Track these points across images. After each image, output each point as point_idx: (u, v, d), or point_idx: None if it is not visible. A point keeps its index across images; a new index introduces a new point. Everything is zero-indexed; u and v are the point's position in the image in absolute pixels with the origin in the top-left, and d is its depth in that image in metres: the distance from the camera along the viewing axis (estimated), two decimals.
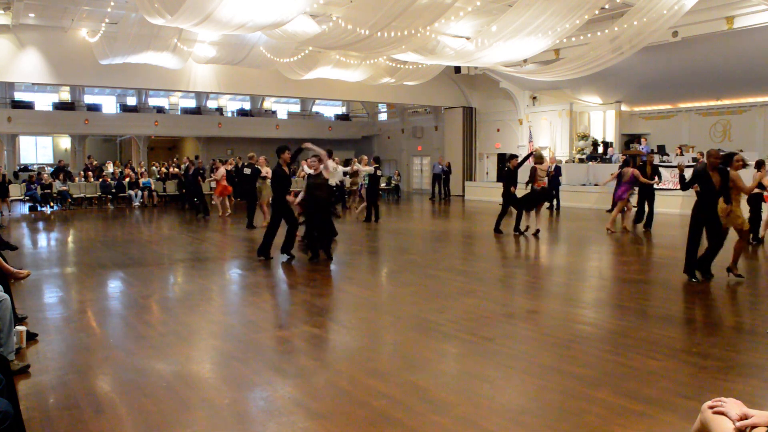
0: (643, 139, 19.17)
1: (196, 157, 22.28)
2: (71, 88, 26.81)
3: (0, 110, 24.18)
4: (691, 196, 15.72)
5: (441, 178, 24.74)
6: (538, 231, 12.21)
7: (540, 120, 23.08)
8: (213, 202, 19.27)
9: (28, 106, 25.39)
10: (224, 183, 16.72)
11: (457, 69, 22.50)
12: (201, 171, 18.76)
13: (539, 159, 12.41)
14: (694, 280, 7.44)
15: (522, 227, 12.31)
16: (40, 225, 15.58)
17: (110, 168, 23.42)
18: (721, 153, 7.70)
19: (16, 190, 19.92)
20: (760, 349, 4.96)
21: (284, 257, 9.30)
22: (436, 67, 18.97)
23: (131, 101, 29.24)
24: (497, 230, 12.45)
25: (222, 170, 16.84)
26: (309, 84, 20.85)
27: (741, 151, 17.21)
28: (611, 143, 21.02)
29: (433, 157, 27.47)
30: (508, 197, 12.38)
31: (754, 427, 1.97)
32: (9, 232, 13.56)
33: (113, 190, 21.28)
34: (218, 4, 10.37)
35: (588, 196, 18.94)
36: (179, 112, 30.37)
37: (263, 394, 4.01)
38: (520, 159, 12.79)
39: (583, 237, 12.47)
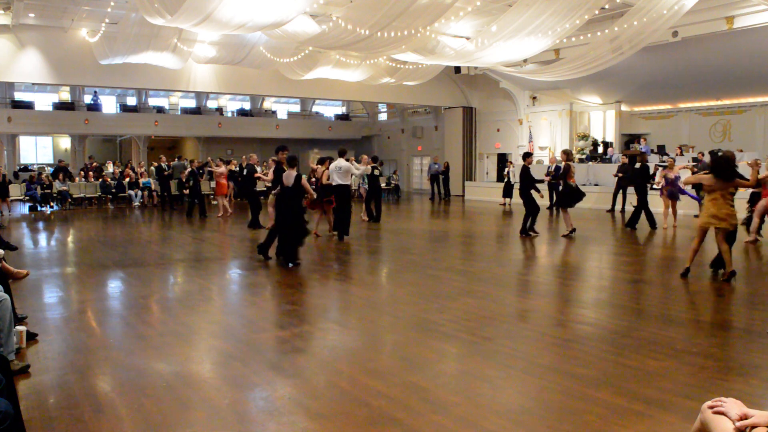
0: (642, 139, 19.16)
1: (179, 157, 22.29)
2: (75, 89, 26.80)
3: (0, 110, 24.17)
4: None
5: (439, 178, 24.79)
6: (574, 230, 11.90)
7: (540, 120, 23.08)
8: (214, 202, 19.37)
9: (28, 106, 25.38)
10: (223, 182, 16.80)
11: (457, 69, 22.49)
12: (200, 171, 18.77)
13: (571, 156, 12.55)
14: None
15: (567, 230, 11.99)
16: (40, 225, 15.58)
17: (110, 168, 23.42)
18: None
19: (16, 190, 19.91)
20: (760, 349, 4.95)
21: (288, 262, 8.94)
22: (436, 67, 18.96)
23: (131, 101, 29.24)
24: (528, 232, 12.04)
25: (222, 169, 16.90)
26: (309, 84, 20.85)
27: (741, 151, 17.25)
28: (611, 143, 21.02)
29: (433, 158, 27.47)
30: (529, 198, 12.00)
31: (754, 427, 1.97)
32: (9, 232, 13.56)
33: (113, 190, 21.29)
34: (218, 4, 10.37)
35: (588, 196, 18.83)
36: (179, 112, 30.36)
37: (263, 394, 4.01)
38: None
39: (583, 237, 12.45)
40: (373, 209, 15.00)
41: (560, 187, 12.46)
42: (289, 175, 8.93)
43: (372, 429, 3.46)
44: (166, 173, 20.10)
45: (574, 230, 12.00)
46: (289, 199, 8.95)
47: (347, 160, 12.65)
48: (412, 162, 30.82)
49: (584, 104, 22.03)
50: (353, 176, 15.18)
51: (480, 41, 13.68)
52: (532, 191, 11.99)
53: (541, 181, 12.54)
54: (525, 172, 12.11)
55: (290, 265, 8.76)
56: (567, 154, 12.44)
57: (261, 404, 3.87)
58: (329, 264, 9.45)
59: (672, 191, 12.98)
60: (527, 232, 12.08)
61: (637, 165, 13.14)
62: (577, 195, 12.04)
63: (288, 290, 7.79)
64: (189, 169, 17.65)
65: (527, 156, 12.48)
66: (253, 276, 8.37)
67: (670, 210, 13.13)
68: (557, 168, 18.08)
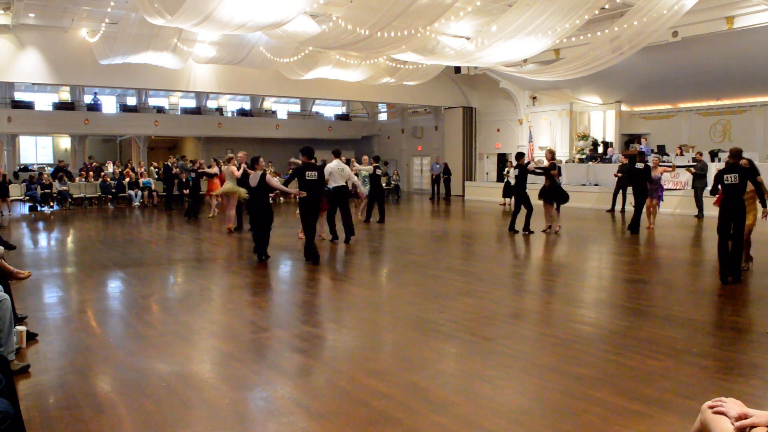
0: (643, 139, 19.16)
1: (182, 158, 22.21)
2: (75, 89, 26.78)
3: (0, 110, 24.18)
4: (688, 197, 15.76)
5: (440, 178, 24.84)
6: (559, 227, 12.37)
7: (540, 120, 23.08)
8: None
9: (28, 106, 25.36)
10: (216, 181, 16.72)
11: (457, 69, 22.49)
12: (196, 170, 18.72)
13: (554, 156, 12.87)
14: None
15: (545, 226, 12.44)
16: (40, 225, 15.58)
17: (110, 168, 23.42)
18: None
19: (16, 190, 19.92)
20: (760, 349, 4.96)
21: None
22: (436, 67, 18.96)
23: (131, 101, 29.24)
24: (513, 230, 12.35)
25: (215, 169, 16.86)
26: (309, 84, 20.84)
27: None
28: (611, 143, 21.01)
29: (434, 158, 27.48)
30: (524, 196, 12.36)
31: (753, 426, 1.97)
32: (9, 232, 13.56)
33: (113, 190, 21.28)
34: (218, 4, 10.36)
35: (588, 196, 18.93)
36: (179, 112, 30.35)
37: (263, 394, 4.01)
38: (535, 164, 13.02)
39: (583, 237, 12.47)
40: (377, 211, 14.95)
41: (547, 185, 12.47)
42: (255, 176, 9.14)
43: (372, 429, 3.46)
44: (174, 172, 20.02)
45: (549, 227, 12.41)
46: (257, 198, 9.20)
47: (348, 161, 12.56)
48: (412, 162, 30.83)
49: (584, 104, 22.03)
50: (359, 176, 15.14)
51: (480, 41, 13.67)
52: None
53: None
54: (523, 171, 12.38)
55: (263, 258, 9.13)
56: (552, 154, 12.81)
57: (261, 404, 3.87)
58: (329, 264, 9.45)
59: (650, 190, 12.93)
60: (527, 229, 12.36)
61: (640, 165, 12.97)
62: (562, 195, 12.39)
63: (288, 290, 7.80)
64: (195, 168, 17.73)
65: (521, 156, 12.85)
66: (253, 276, 8.37)
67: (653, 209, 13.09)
68: (558, 168, 18.12)
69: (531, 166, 12.93)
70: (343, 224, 11.46)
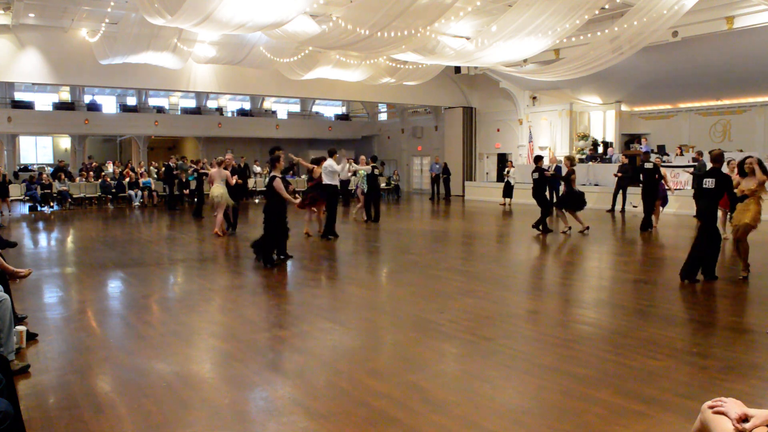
0: (643, 139, 19.16)
1: (182, 158, 22.16)
2: (75, 89, 26.76)
3: (0, 110, 24.17)
4: (688, 196, 15.73)
5: (440, 178, 24.87)
6: (588, 228, 12.41)
7: (540, 120, 23.08)
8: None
9: (28, 106, 25.38)
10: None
11: (457, 69, 22.49)
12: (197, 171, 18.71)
13: (574, 162, 12.93)
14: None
15: (564, 227, 12.50)
16: (40, 225, 15.57)
17: (110, 168, 23.41)
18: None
19: (16, 190, 19.92)
20: (760, 349, 4.96)
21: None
22: (436, 67, 18.96)
23: (131, 101, 29.24)
24: (539, 227, 12.47)
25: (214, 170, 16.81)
26: (309, 84, 20.84)
27: (741, 151, 17.27)
28: (611, 143, 21.02)
29: (434, 158, 27.50)
30: (541, 198, 12.56)
31: (753, 427, 1.97)
32: (9, 232, 13.56)
33: (113, 190, 21.28)
34: (218, 4, 10.36)
35: (588, 196, 18.80)
36: (179, 112, 30.36)
37: (263, 394, 4.01)
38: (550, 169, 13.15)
39: (583, 237, 12.46)
40: (372, 210, 15.01)
41: (562, 190, 12.64)
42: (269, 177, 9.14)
43: (372, 429, 3.46)
44: (175, 172, 20.01)
45: (588, 228, 12.39)
46: (266, 200, 9.14)
47: (350, 160, 12.66)
48: (412, 162, 30.83)
49: (584, 104, 22.03)
50: (353, 176, 15.20)
51: (480, 41, 13.67)
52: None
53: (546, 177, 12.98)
54: (542, 174, 12.63)
55: (268, 265, 8.78)
56: (571, 161, 12.68)
57: (261, 404, 3.87)
58: (329, 264, 9.45)
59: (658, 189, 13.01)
60: (539, 227, 12.49)
61: (649, 165, 12.93)
62: (579, 200, 12.38)
63: (288, 290, 7.79)
64: (197, 168, 17.73)
65: (539, 159, 13.12)
66: (252, 276, 8.37)
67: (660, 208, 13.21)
68: (558, 168, 18.17)
69: (549, 172, 13.13)
70: (325, 223, 11.77)
